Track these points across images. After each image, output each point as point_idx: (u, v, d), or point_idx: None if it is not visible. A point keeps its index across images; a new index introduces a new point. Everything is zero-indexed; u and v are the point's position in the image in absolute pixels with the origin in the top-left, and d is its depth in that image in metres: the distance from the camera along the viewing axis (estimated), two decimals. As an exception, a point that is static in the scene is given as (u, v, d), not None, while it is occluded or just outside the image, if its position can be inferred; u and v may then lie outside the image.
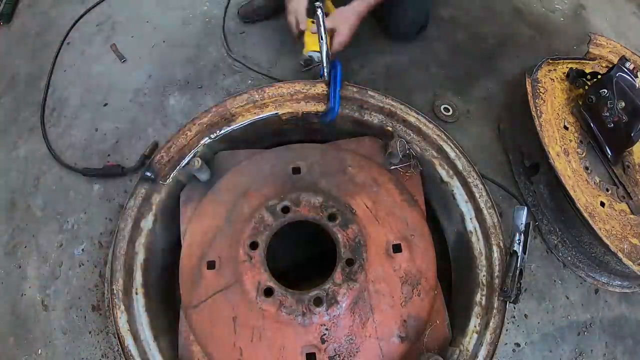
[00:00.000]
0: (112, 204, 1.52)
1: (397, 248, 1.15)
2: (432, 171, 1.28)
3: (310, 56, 1.48)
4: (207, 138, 1.28)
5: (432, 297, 1.13)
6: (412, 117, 1.30)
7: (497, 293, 1.10)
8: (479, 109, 1.75)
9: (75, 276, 1.42)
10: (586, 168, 1.46)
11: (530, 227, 1.13)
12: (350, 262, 1.08)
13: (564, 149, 1.45)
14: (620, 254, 1.24)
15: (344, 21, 1.50)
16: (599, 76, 1.50)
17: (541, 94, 1.52)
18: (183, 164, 1.25)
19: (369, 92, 1.32)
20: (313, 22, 1.42)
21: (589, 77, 1.55)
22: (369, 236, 1.13)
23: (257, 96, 1.30)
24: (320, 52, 1.37)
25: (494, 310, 1.08)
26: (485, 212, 1.19)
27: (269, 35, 1.89)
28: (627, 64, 1.43)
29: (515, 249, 1.09)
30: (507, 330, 1.34)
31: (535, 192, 1.51)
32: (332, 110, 1.29)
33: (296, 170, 1.26)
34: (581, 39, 2.01)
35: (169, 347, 1.11)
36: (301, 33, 1.53)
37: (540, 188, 1.49)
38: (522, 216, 1.10)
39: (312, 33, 1.46)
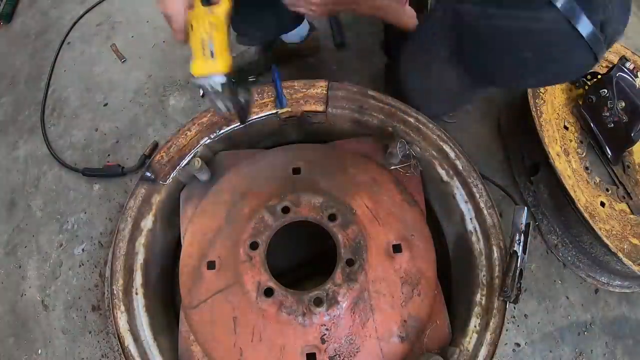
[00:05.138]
0: (112, 204, 1.53)
1: (397, 248, 1.15)
2: (432, 171, 1.28)
3: (200, 85, 0.93)
4: (207, 138, 1.28)
5: (432, 297, 1.13)
6: (412, 117, 1.30)
7: (497, 293, 1.10)
8: (479, 109, 1.75)
9: (75, 276, 1.42)
10: (586, 168, 1.46)
11: (530, 227, 1.13)
12: (350, 263, 1.08)
13: (564, 149, 1.45)
14: (620, 254, 1.24)
15: None
16: (599, 76, 1.50)
17: (541, 93, 1.51)
18: (183, 164, 1.25)
19: (369, 92, 1.32)
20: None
21: (589, 77, 1.55)
22: (369, 236, 1.13)
23: (256, 95, 1.30)
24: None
25: (494, 310, 1.08)
26: (485, 212, 1.19)
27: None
28: (627, 64, 1.43)
29: (515, 249, 1.08)
30: (507, 330, 1.35)
31: (535, 192, 1.51)
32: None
33: (296, 171, 1.26)
34: (581, 38, 2.01)
35: (169, 347, 1.11)
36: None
37: (540, 188, 1.49)
38: (522, 216, 1.10)
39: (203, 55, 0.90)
